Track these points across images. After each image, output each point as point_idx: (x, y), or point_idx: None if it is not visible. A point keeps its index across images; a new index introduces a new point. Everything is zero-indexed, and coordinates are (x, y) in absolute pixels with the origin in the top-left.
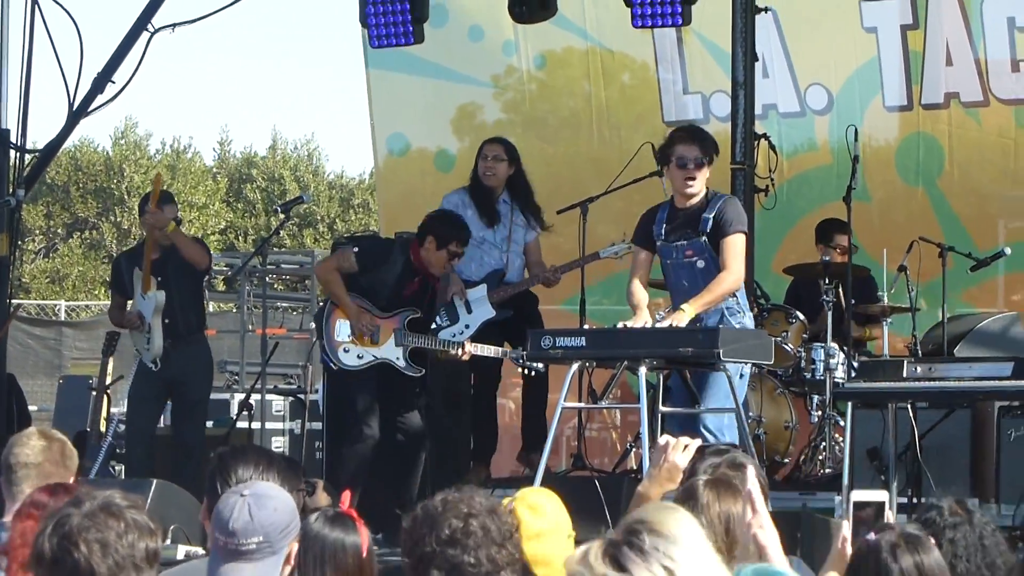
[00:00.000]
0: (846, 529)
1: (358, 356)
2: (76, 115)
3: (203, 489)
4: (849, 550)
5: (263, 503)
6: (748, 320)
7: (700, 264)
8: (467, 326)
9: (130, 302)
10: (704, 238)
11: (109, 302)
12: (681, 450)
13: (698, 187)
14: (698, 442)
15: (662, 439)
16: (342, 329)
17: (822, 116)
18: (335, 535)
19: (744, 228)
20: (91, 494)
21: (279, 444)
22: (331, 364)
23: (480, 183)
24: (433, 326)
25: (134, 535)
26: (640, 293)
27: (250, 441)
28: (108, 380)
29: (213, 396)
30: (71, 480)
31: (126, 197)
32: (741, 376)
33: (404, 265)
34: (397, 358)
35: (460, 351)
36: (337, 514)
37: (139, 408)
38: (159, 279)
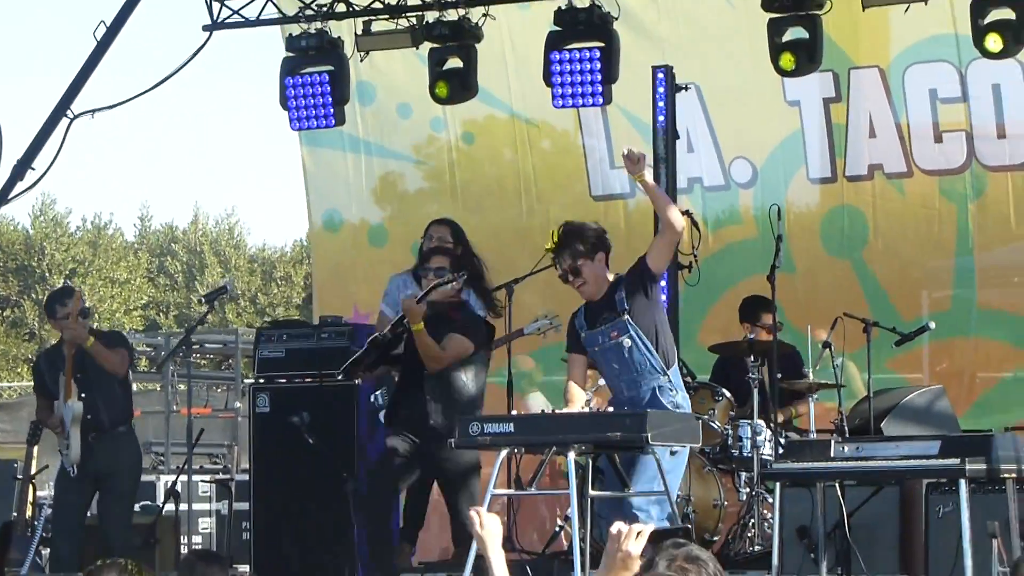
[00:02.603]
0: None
1: None
2: None
3: None
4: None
5: None
6: (681, 398)
7: (627, 343)
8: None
9: (57, 402)
10: (626, 316)
11: (32, 381)
12: (634, 538)
13: (590, 288)
14: (651, 527)
15: (614, 528)
16: None
17: (746, 189)
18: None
19: None
20: None
21: (206, 526)
22: None
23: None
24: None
25: None
26: (576, 393)
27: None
28: (33, 470)
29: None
30: None
31: (47, 275)
32: (674, 453)
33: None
34: None
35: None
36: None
37: (63, 502)
38: (78, 376)
